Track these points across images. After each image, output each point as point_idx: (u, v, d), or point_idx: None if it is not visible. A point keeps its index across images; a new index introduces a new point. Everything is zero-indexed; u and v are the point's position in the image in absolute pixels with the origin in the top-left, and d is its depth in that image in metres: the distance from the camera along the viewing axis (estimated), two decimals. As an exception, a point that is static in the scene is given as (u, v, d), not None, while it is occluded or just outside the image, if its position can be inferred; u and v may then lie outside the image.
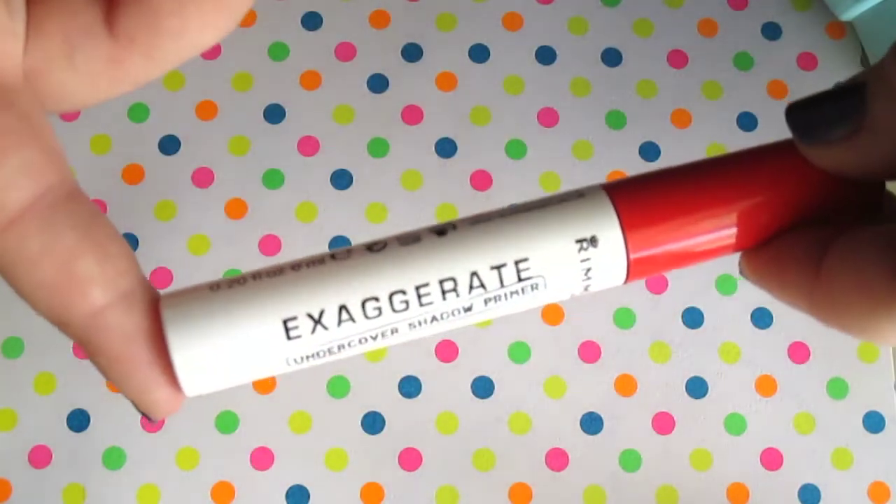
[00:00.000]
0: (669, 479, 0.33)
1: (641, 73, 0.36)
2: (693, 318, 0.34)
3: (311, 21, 0.37)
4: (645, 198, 0.19)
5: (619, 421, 0.33)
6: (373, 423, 0.33)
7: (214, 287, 0.18)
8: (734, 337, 0.34)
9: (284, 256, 0.34)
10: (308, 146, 0.35)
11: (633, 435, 0.33)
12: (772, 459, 0.33)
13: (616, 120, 0.36)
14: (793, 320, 0.34)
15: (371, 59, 0.36)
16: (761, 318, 0.34)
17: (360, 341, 0.18)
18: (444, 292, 0.18)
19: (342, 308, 0.18)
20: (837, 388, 0.34)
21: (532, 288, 0.18)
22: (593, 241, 0.18)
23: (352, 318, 0.18)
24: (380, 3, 0.37)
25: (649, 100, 0.36)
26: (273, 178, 0.35)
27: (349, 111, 0.36)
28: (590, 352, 0.34)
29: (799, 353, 0.34)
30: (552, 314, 0.34)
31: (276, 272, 0.18)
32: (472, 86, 0.36)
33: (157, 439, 0.32)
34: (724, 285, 0.34)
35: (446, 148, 0.35)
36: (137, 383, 0.18)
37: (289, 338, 0.18)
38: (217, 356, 0.18)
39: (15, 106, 0.17)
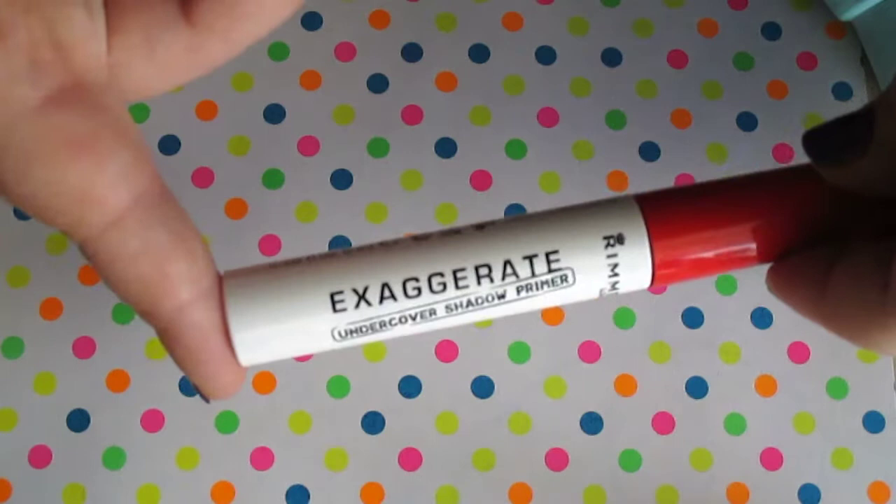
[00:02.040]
0: (669, 479, 0.33)
1: (641, 73, 0.36)
2: (693, 318, 0.34)
3: (311, 21, 0.37)
4: (671, 206, 0.20)
5: (619, 421, 0.33)
6: (373, 423, 0.33)
7: (273, 266, 0.20)
8: (734, 337, 0.34)
9: (284, 256, 0.34)
10: (308, 146, 0.35)
11: (633, 435, 0.33)
12: (772, 459, 0.33)
13: (616, 120, 0.36)
14: (793, 320, 0.34)
15: (371, 59, 0.36)
16: (761, 318, 0.34)
17: (400, 320, 0.20)
18: (479, 277, 0.20)
19: (385, 286, 0.20)
20: (837, 388, 0.34)
21: (562, 279, 0.20)
22: (620, 238, 0.20)
23: (393, 296, 0.20)
24: (380, 3, 0.37)
25: (649, 100, 0.36)
26: (273, 178, 0.35)
27: (349, 111, 0.36)
28: (590, 352, 0.34)
29: (799, 353, 0.34)
30: (552, 314, 0.34)
31: (329, 256, 0.20)
32: (472, 86, 0.36)
33: (157, 439, 0.32)
34: (724, 285, 0.34)
35: (446, 148, 0.35)
36: (208, 371, 0.19)
37: (335, 310, 0.19)
38: (268, 324, 0.19)
39: (107, 108, 0.18)
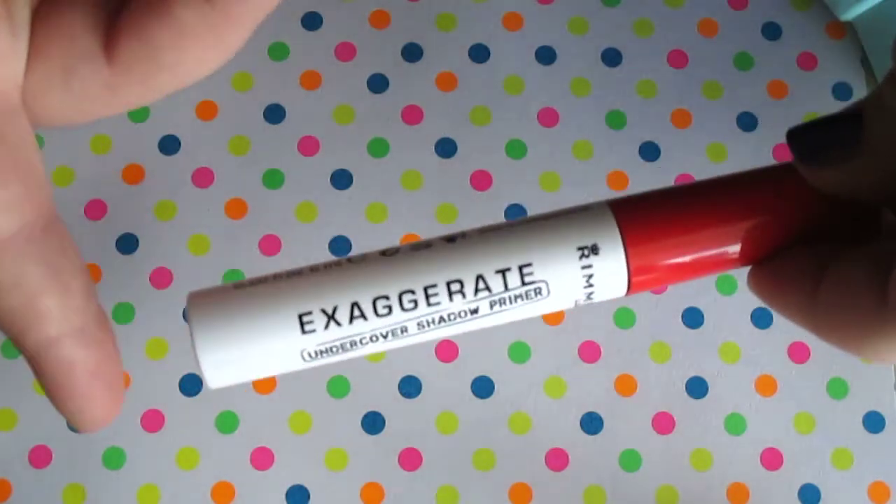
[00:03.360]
0: (669, 479, 0.33)
1: (641, 73, 0.36)
2: (693, 318, 0.34)
3: (311, 21, 0.37)
4: (647, 212, 0.20)
5: (619, 421, 0.33)
6: (373, 423, 0.33)
7: (238, 286, 0.19)
8: (734, 337, 0.34)
9: (284, 256, 0.34)
10: (308, 146, 0.35)
11: (633, 435, 0.33)
12: (772, 459, 0.33)
13: (616, 120, 0.36)
14: (793, 320, 0.34)
15: (371, 59, 0.36)
16: (761, 318, 0.34)
17: (371, 339, 0.19)
18: (451, 293, 0.19)
19: (354, 305, 0.19)
20: (837, 388, 0.34)
21: (536, 293, 0.19)
22: (594, 248, 0.19)
23: (363, 316, 0.19)
24: (380, 3, 0.37)
25: (649, 100, 0.36)
26: (273, 178, 0.35)
27: (349, 111, 0.36)
28: (590, 352, 0.34)
29: (799, 353, 0.34)
30: (552, 314, 0.34)
31: (295, 273, 0.19)
32: (472, 86, 0.36)
33: (157, 439, 0.32)
34: (724, 285, 0.34)
35: (446, 148, 0.35)
36: (71, 407, 0.19)
37: (304, 332, 0.19)
38: (236, 348, 0.19)
39: (6, 137, 0.17)
